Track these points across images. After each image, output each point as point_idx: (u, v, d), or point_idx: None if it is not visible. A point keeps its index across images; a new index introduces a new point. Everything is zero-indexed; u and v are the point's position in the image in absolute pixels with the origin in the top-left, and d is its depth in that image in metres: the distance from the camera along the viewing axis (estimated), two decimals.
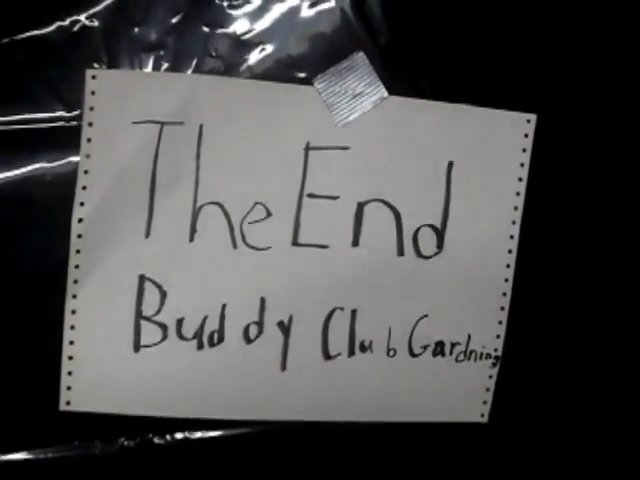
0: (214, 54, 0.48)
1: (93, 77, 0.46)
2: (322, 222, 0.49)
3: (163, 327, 0.49)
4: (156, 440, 0.51)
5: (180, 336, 0.49)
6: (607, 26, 0.52)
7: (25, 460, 0.50)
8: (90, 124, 0.47)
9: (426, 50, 0.50)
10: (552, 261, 0.54)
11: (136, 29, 0.47)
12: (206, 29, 0.48)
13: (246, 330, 0.50)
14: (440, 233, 0.51)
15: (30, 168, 0.47)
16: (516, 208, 0.52)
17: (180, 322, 0.49)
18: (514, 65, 0.51)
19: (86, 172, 0.47)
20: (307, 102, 0.48)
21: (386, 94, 0.49)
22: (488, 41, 0.51)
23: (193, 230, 0.48)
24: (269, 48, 0.48)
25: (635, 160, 0.54)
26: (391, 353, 0.52)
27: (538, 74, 0.51)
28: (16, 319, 0.48)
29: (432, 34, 0.50)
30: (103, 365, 0.49)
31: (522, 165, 0.52)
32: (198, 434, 0.51)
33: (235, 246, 0.49)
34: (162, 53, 0.47)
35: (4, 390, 0.48)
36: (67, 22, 0.46)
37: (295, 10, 0.48)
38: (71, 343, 0.48)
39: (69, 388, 0.49)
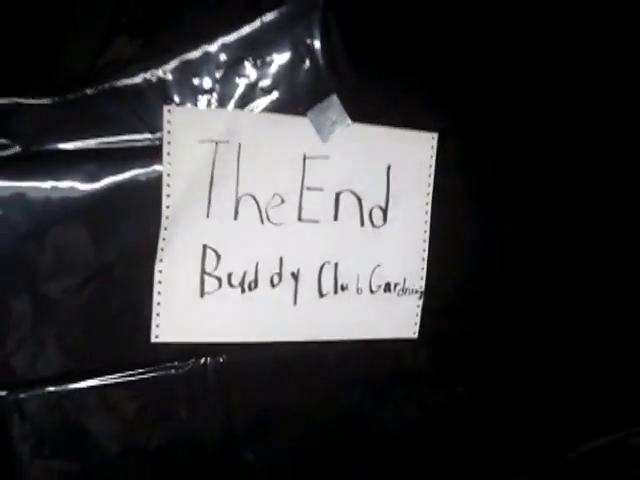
0: (245, 96, 0.73)
1: (169, 111, 0.70)
2: (315, 205, 0.76)
3: (218, 279, 0.72)
4: (212, 360, 0.74)
5: (230, 285, 0.73)
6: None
7: (124, 380, 0.70)
8: (169, 142, 0.70)
9: (371, 93, 0.78)
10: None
11: (196, 80, 0.71)
12: (238, 80, 0.72)
13: (271, 279, 0.75)
14: (385, 211, 0.79)
15: (130, 173, 0.69)
16: (427, 203, 0.81)
17: (229, 275, 0.73)
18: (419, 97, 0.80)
19: (168, 175, 0.70)
20: (303, 127, 0.75)
21: (350, 122, 0.76)
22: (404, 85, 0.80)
23: (236, 213, 0.73)
24: (279, 93, 0.74)
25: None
26: (359, 291, 0.79)
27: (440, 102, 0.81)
28: (123, 277, 0.69)
29: (372, 83, 0.78)
30: (180, 307, 0.71)
31: (430, 166, 0.81)
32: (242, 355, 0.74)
33: (262, 222, 0.74)
34: (213, 95, 0.71)
35: (116, 329, 0.69)
36: (150, 75, 0.69)
37: (293, 69, 0.74)
38: (159, 293, 0.70)
39: (157, 325, 0.70)
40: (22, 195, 0.66)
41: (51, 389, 0.68)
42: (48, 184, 0.66)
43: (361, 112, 0.77)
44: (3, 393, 0.68)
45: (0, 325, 0.66)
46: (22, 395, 0.68)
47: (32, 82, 0.67)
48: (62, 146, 0.67)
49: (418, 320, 0.83)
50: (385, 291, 0.80)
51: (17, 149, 0.66)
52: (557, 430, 0.98)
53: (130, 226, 0.69)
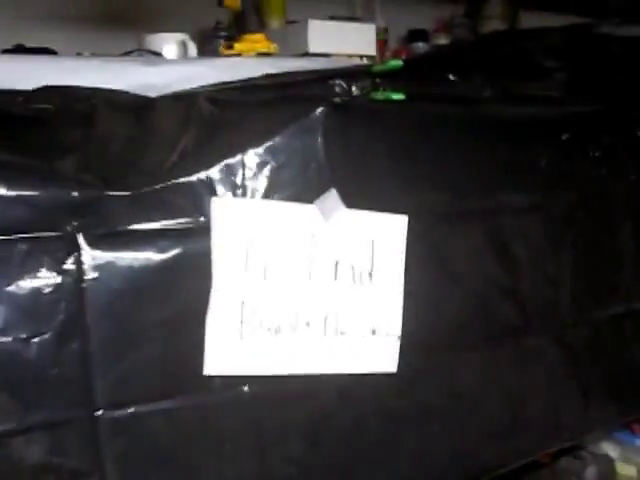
0: (268, 189, 0.98)
1: (215, 201, 0.95)
2: (321, 270, 1.01)
3: (253, 326, 0.96)
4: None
5: (261, 329, 0.97)
6: None
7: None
8: (215, 224, 0.94)
9: (359, 187, 1.04)
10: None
11: (234, 178, 0.96)
12: (264, 178, 0.98)
13: (290, 326, 0.99)
14: (371, 274, 1.05)
15: (189, 246, 0.93)
16: (401, 268, 1.07)
17: (261, 322, 0.97)
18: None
19: (215, 248, 0.94)
20: (311, 212, 1.00)
21: (345, 208, 1.02)
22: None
23: (264, 275, 0.97)
24: (294, 187, 0.99)
25: None
26: (354, 335, 1.04)
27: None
28: (185, 323, 0.92)
29: (360, 180, 1.05)
30: (223, 347, 0.94)
31: (403, 241, 1.07)
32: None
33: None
34: (246, 189, 0.97)
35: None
36: (202, 175, 0.94)
37: (303, 170, 1.00)
38: (209, 337, 0.94)
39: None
40: (112, 262, 0.89)
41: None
42: (130, 255, 0.90)
43: (352, 201, 1.03)
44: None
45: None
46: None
47: (117, 180, 0.91)
48: (137, 227, 0.91)
49: (397, 357, 1.07)
50: (372, 334, 1.05)
51: (105, 229, 0.90)
52: None
53: (191, 286, 0.93)
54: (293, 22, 1.52)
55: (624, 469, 1.76)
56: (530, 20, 2.25)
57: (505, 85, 1.21)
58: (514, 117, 1.22)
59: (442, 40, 2.05)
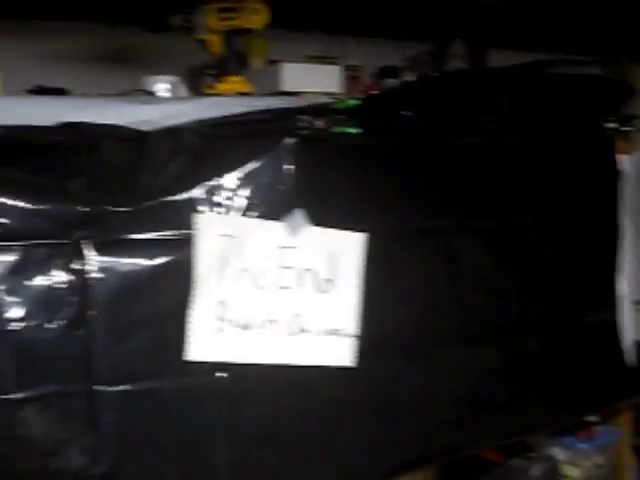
0: (243, 208, 1.17)
1: (196, 216, 1.13)
2: (288, 277, 1.20)
3: (227, 322, 1.15)
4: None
5: (234, 326, 1.15)
6: None
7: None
8: (196, 236, 1.13)
9: (323, 207, 1.23)
10: None
11: (214, 198, 1.15)
12: (239, 199, 1.17)
13: (259, 324, 1.17)
14: (332, 282, 1.23)
15: (176, 254, 1.12)
16: (358, 278, 1.26)
17: (232, 320, 1.15)
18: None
19: (196, 256, 1.13)
20: (280, 228, 1.19)
21: (310, 225, 1.21)
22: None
23: (238, 280, 1.16)
24: (265, 206, 1.18)
25: None
26: (316, 333, 1.22)
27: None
28: (172, 318, 1.11)
29: (322, 201, 1.24)
30: (202, 338, 1.13)
31: (360, 254, 1.26)
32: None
33: (254, 287, 1.17)
34: (224, 207, 1.15)
35: None
36: (187, 195, 1.13)
37: (273, 191, 1.19)
38: (189, 330, 1.12)
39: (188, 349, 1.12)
40: (112, 266, 1.08)
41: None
42: (127, 260, 1.09)
43: (316, 219, 1.22)
44: None
45: None
46: None
47: (118, 198, 1.10)
48: (133, 236, 1.10)
49: (353, 353, 1.26)
50: (332, 334, 1.24)
51: (107, 238, 1.09)
52: None
53: (177, 287, 1.11)
54: (274, 61, 1.71)
55: (570, 470, 1.94)
56: (499, 58, 2.44)
57: (452, 120, 1.40)
58: (460, 148, 1.41)
59: (410, 77, 2.24)
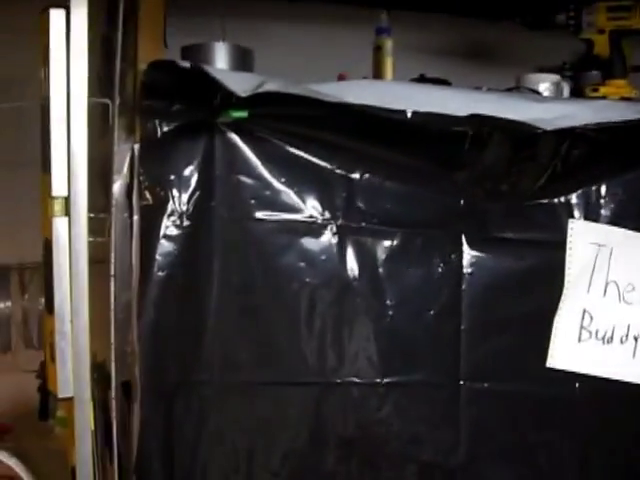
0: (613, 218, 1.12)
1: (572, 222, 1.10)
2: None
3: (589, 332, 1.11)
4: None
5: (596, 337, 1.11)
6: None
7: None
8: (570, 242, 1.10)
9: None
10: None
11: (588, 204, 1.11)
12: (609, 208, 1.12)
13: (621, 338, 1.12)
14: None
15: (546, 257, 1.09)
16: None
17: (597, 331, 1.11)
18: None
19: (569, 262, 1.10)
20: None
21: None
22: None
23: (604, 292, 1.11)
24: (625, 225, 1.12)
25: None
26: None
27: None
28: (535, 321, 1.09)
29: None
30: (565, 347, 1.10)
31: None
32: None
33: (619, 301, 1.12)
34: (599, 216, 1.11)
35: None
36: (562, 199, 1.10)
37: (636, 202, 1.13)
38: (554, 334, 1.09)
39: (552, 355, 1.09)
40: (485, 262, 1.08)
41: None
42: (499, 258, 1.08)
43: None
44: None
45: None
46: None
47: (495, 194, 1.09)
48: (506, 235, 1.09)
49: None
50: None
51: (483, 234, 1.08)
52: None
53: (544, 290, 1.09)
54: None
55: None
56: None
57: None
58: None
59: None
